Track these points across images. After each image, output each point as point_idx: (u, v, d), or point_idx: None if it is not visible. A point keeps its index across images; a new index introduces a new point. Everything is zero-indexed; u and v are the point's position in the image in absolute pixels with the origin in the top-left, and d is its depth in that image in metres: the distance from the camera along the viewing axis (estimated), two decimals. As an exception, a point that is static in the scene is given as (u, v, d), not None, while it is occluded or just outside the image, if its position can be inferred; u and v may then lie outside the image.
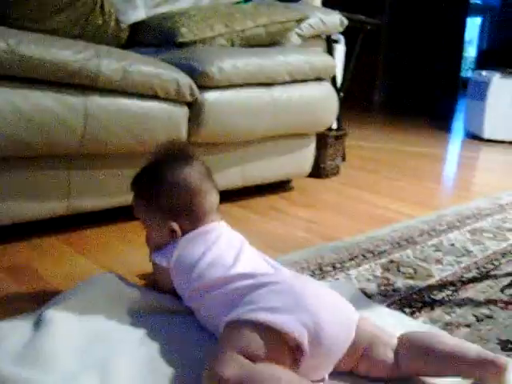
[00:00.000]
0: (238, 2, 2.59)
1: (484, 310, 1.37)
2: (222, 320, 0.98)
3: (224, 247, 1.18)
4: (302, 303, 0.93)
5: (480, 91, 4.65)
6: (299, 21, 2.38)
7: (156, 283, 1.27)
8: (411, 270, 1.61)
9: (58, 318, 1.09)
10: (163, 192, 1.24)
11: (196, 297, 1.13)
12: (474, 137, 4.69)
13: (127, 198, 1.34)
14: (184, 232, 1.22)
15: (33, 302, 1.26)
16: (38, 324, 1.09)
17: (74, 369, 0.96)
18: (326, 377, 0.97)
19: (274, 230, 1.93)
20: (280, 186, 2.47)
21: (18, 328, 1.08)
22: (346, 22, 2.62)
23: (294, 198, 2.38)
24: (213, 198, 1.26)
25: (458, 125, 5.71)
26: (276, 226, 1.97)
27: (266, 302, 0.94)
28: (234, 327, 0.93)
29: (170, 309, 1.20)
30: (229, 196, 2.19)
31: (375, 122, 5.76)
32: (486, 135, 4.56)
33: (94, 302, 1.16)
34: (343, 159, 3.06)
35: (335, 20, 2.57)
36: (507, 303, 1.42)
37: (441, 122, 5.87)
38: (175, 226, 1.22)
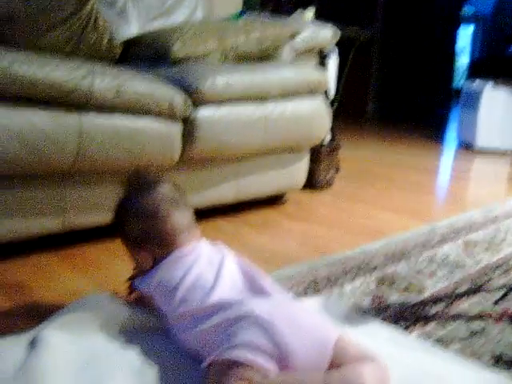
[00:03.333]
0: (230, 18, 2.61)
1: (477, 324, 1.38)
2: (203, 355, 1.04)
3: (203, 267, 1.18)
4: (272, 334, 0.97)
5: (472, 101, 4.67)
6: (292, 35, 2.40)
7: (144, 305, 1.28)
8: (405, 285, 1.61)
9: (52, 337, 1.09)
10: (127, 225, 1.26)
11: (177, 326, 1.14)
12: (466, 147, 4.71)
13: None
14: (158, 259, 1.22)
15: (27, 319, 1.26)
16: (32, 344, 1.08)
17: (69, 389, 0.96)
18: None
19: (267, 244, 1.93)
20: (274, 200, 2.48)
21: (13, 348, 1.08)
22: (338, 35, 2.64)
23: (288, 211, 2.39)
24: (183, 220, 1.25)
25: (451, 135, 5.74)
26: (270, 240, 1.98)
27: (240, 338, 0.98)
28: (219, 364, 0.97)
29: (162, 329, 1.20)
30: (222, 210, 2.20)
31: (368, 133, 5.79)
32: (479, 145, 4.57)
33: (89, 323, 1.16)
34: (337, 171, 3.07)
35: (327, 34, 2.59)
36: (500, 317, 1.43)
37: (434, 131, 5.89)
38: (144, 255, 1.24)
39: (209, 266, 1.19)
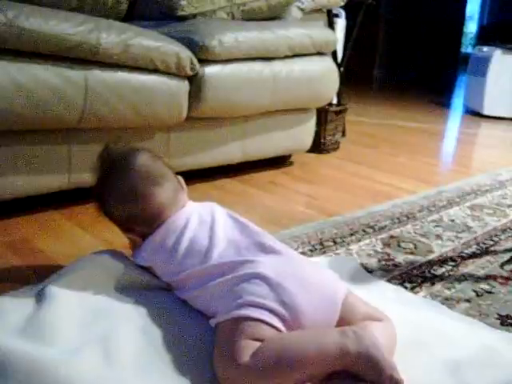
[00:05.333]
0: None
1: (484, 286, 1.38)
2: (212, 313, 1.03)
3: (195, 230, 1.15)
4: (280, 295, 0.96)
5: (481, 67, 4.61)
6: (300, -6, 2.36)
7: None
8: (411, 246, 1.61)
9: (59, 292, 1.09)
10: (108, 209, 1.23)
11: (180, 289, 1.14)
12: (473, 113, 4.67)
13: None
14: (146, 234, 1.19)
15: (34, 276, 1.27)
16: (39, 298, 1.09)
17: (76, 343, 0.96)
18: None
19: (274, 204, 1.93)
20: (280, 161, 2.47)
21: (20, 303, 1.08)
22: (346, -5, 2.60)
23: (294, 173, 2.38)
24: (165, 194, 1.19)
25: (458, 101, 5.68)
26: (276, 200, 1.97)
27: (247, 299, 0.96)
28: (228, 323, 0.96)
29: (169, 286, 1.19)
30: (229, 171, 2.19)
31: (375, 97, 5.73)
32: (486, 111, 4.53)
33: (96, 278, 1.16)
34: (343, 135, 3.05)
35: (336, -7, 2.54)
36: (507, 279, 1.43)
37: (440, 97, 5.84)
38: (130, 235, 1.22)
39: (201, 227, 1.16)
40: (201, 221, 1.18)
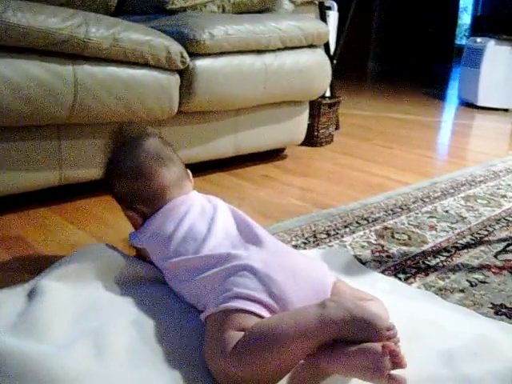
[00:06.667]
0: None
1: (478, 275, 1.37)
2: (202, 307, 1.04)
3: (196, 218, 1.17)
4: (269, 287, 0.96)
5: (475, 58, 4.61)
6: (291, -14, 2.34)
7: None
8: (405, 237, 1.61)
9: (51, 287, 1.09)
10: (113, 185, 1.27)
11: (171, 278, 1.14)
12: (467, 104, 4.67)
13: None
14: (147, 215, 1.22)
15: (25, 272, 1.26)
16: (31, 294, 1.09)
17: (68, 338, 0.96)
18: None
19: (267, 197, 1.92)
20: (273, 155, 2.46)
21: (12, 298, 1.08)
22: (338, -13, 2.59)
23: (288, 166, 2.37)
24: (169, 176, 1.24)
25: (452, 92, 5.68)
26: (270, 193, 1.97)
27: (237, 291, 0.96)
28: (217, 316, 0.95)
29: (160, 279, 1.19)
30: (222, 165, 2.19)
31: (369, 90, 5.73)
32: (480, 103, 4.53)
33: (87, 272, 1.16)
34: (336, 127, 3.04)
35: (328, -15, 2.53)
36: (501, 268, 1.42)
37: (434, 89, 5.84)
38: (131, 213, 1.24)
39: (201, 217, 1.18)
40: (202, 211, 1.20)
